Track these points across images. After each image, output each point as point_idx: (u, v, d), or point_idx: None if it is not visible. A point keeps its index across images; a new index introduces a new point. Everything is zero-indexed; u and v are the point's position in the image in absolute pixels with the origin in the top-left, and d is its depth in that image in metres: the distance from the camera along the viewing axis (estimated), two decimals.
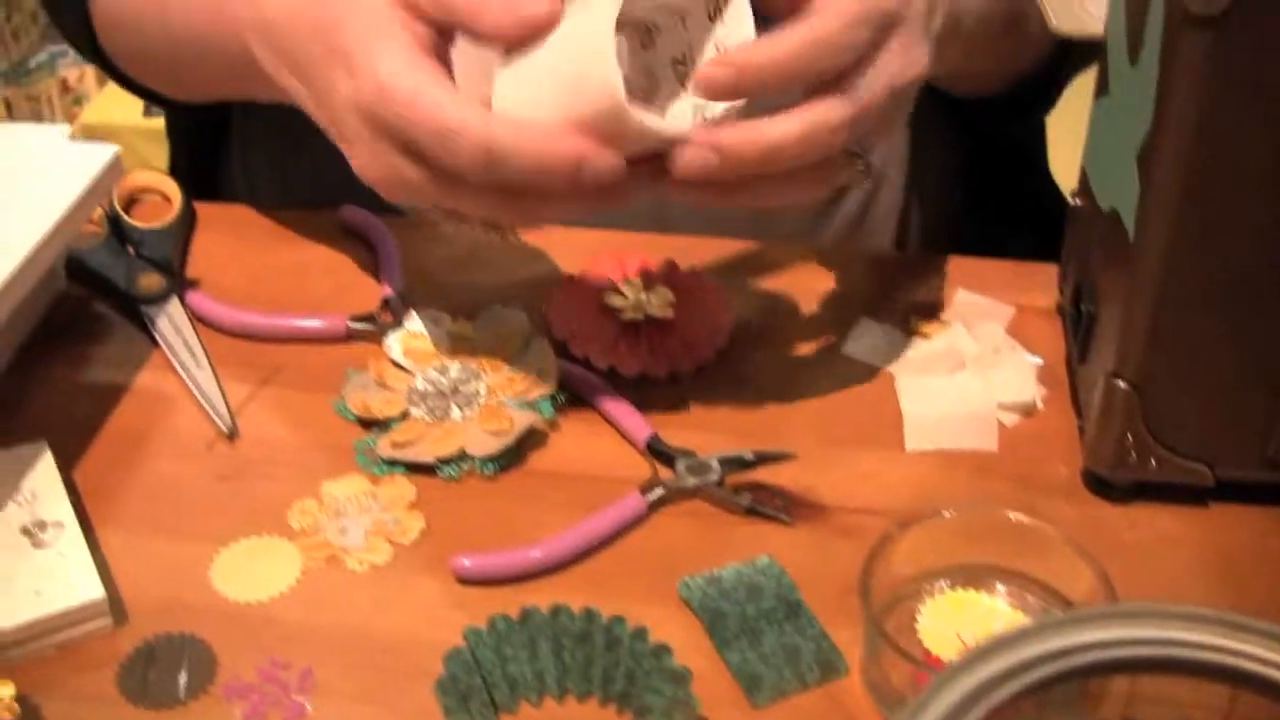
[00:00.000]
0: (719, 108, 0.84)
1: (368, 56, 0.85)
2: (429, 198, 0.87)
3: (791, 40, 0.82)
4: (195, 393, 0.98)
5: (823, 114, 0.83)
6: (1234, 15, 0.74)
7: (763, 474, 0.91)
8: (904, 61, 0.86)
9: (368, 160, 0.87)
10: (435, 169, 0.84)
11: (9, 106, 3.24)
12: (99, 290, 1.07)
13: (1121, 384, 0.87)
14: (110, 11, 1.15)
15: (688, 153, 0.82)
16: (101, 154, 1.01)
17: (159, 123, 2.90)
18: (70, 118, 3.31)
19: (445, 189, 0.85)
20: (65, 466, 0.91)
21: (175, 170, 1.36)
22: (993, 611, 0.82)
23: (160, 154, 2.76)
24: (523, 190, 0.83)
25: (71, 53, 3.24)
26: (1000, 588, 0.82)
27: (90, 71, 3.31)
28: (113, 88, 3.13)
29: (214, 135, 1.34)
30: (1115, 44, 0.90)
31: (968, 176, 1.31)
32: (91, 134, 3.04)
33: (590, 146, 0.80)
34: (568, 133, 0.80)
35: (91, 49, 1.19)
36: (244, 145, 1.31)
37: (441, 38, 0.87)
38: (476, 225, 0.90)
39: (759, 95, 0.83)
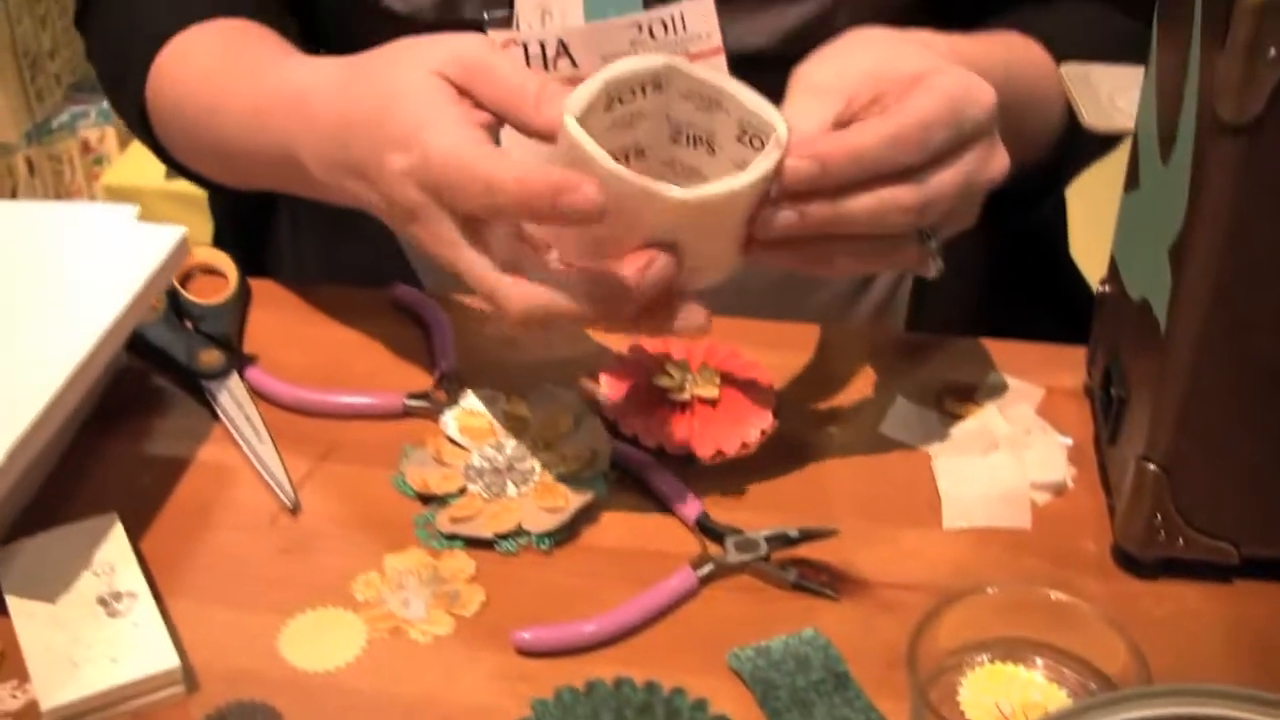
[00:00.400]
0: None
1: (419, 130, 0.90)
2: (482, 281, 0.91)
3: (872, 134, 0.87)
4: (258, 466, 1.01)
5: (894, 194, 0.88)
6: (1266, 123, 0.78)
7: (807, 550, 0.95)
8: (983, 162, 0.92)
9: (429, 240, 0.92)
10: (491, 246, 0.89)
11: (30, 166, 3.27)
12: (160, 365, 1.10)
13: (1151, 466, 0.90)
14: (163, 108, 1.18)
15: (795, 162, 0.87)
16: (169, 236, 1.04)
17: (182, 186, 2.92)
18: (91, 178, 3.34)
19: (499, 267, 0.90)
20: (133, 538, 0.94)
21: (220, 242, 1.40)
22: (1031, 684, 0.85)
23: (182, 216, 2.78)
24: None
25: (93, 113, 3.29)
26: (1038, 661, 0.86)
27: (112, 132, 3.34)
28: (135, 149, 3.18)
29: (260, 210, 1.38)
30: (1146, 142, 0.94)
31: (986, 259, 1.35)
32: (114, 195, 3.07)
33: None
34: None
35: (149, 137, 1.22)
36: (293, 221, 1.35)
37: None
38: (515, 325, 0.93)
39: (838, 184, 0.88)
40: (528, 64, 1.13)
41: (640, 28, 1.13)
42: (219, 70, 1.13)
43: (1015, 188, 0.99)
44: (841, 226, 0.90)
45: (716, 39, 1.14)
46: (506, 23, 1.13)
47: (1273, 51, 0.77)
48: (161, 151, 1.23)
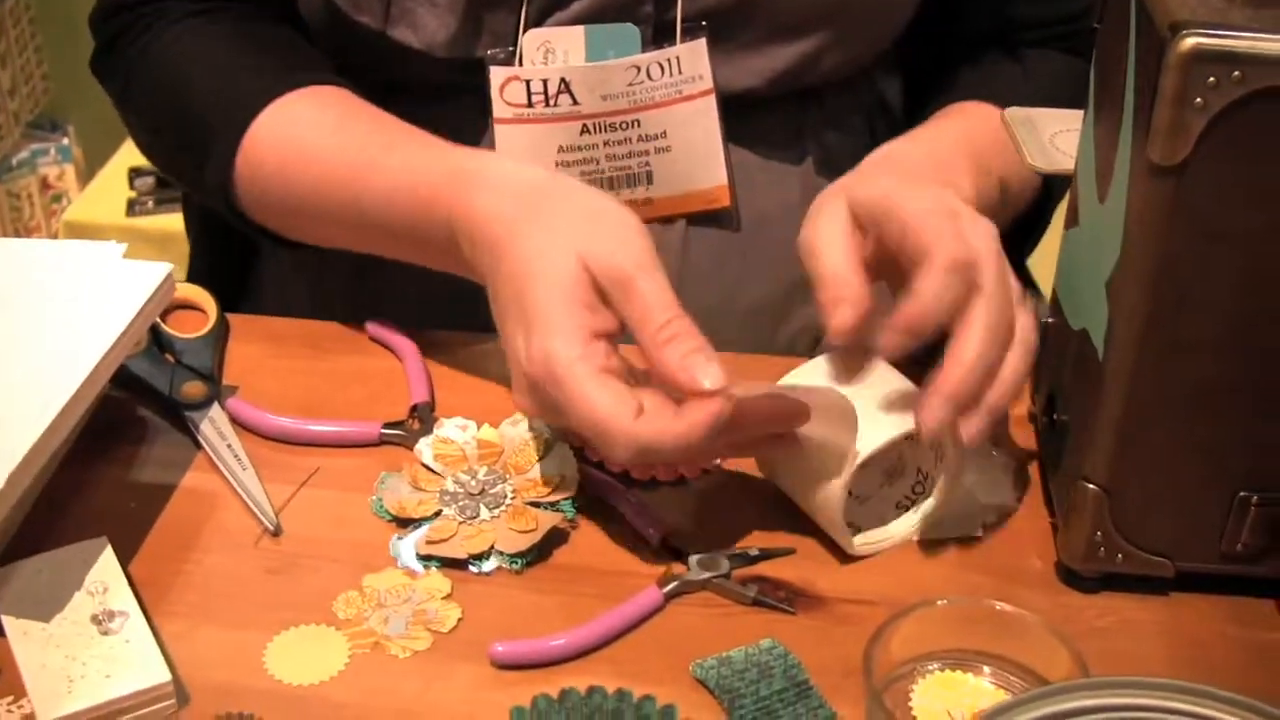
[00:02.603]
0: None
1: (545, 329, 0.93)
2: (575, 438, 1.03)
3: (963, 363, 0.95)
4: (240, 493, 1.05)
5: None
6: (1192, 165, 0.84)
7: (767, 568, 0.99)
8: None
9: (525, 398, 0.98)
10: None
11: None
12: (143, 395, 1.14)
13: (1091, 486, 0.95)
14: (265, 174, 1.17)
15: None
16: (155, 272, 1.08)
17: (143, 223, 2.98)
18: (50, 215, 3.36)
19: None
20: (122, 560, 0.98)
21: (195, 278, 1.43)
22: (979, 691, 0.90)
23: (144, 253, 2.80)
24: None
25: (53, 150, 3.30)
26: (986, 669, 0.91)
27: (70, 170, 3.36)
28: (96, 186, 3.19)
29: (242, 248, 1.41)
30: (1085, 182, 1.00)
31: None
32: (74, 232, 3.08)
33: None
34: (699, 427, 0.91)
35: (225, 197, 1.21)
36: (276, 258, 1.38)
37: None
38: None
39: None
40: (528, 100, 1.17)
41: (639, 69, 1.18)
42: (351, 140, 1.14)
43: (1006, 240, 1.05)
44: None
45: (708, 80, 1.20)
46: (510, 60, 1.18)
47: (1199, 100, 0.82)
48: (236, 213, 1.22)
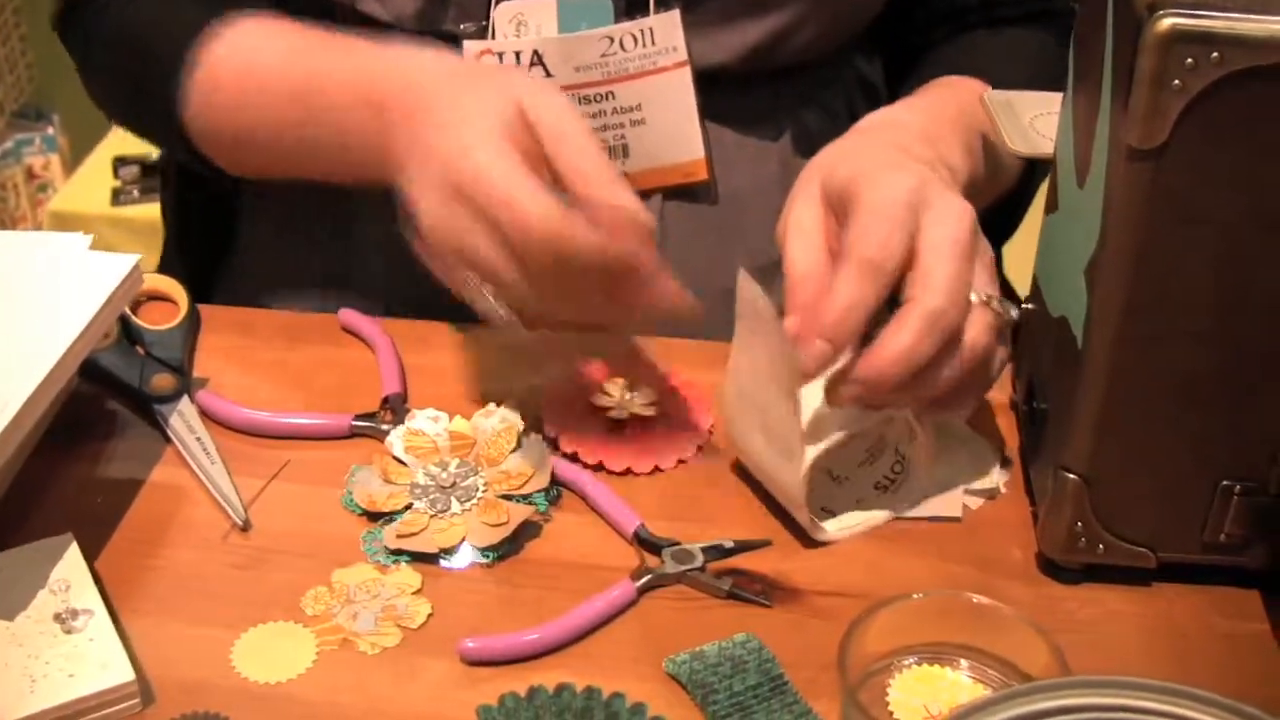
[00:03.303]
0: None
1: (475, 142, 0.97)
2: (480, 263, 0.97)
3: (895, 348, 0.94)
4: (209, 487, 1.04)
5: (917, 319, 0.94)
6: (1171, 149, 0.82)
7: (742, 561, 0.98)
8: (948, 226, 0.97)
9: (437, 217, 0.98)
10: (497, 240, 0.96)
11: None
12: (112, 389, 1.13)
13: (1071, 476, 0.94)
14: (221, 99, 1.19)
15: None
16: (122, 264, 1.07)
17: (128, 213, 2.98)
18: (36, 205, 3.35)
19: (498, 261, 0.97)
20: (88, 557, 0.96)
21: (167, 268, 1.42)
22: (956, 685, 0.88)
23: (128, 243, 2.80)
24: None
25: (38, 140, 3.30)
26: (963, 663, 0.89)
27: (55, 159, 3.35)
28: (81, 175, 3.18)
29: (216, 234, 1.40)
30: (1065, 167, 0.98)
31: None
32: (60, 222, 3.08)
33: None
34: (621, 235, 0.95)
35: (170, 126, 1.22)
36: (253, 244, 1.37)
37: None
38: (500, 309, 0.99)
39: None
40: None
41: (611, 40, 1.17)
42: (303, 54, 1.15)
43: (991, 219, 1.04)
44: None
45: (683, 52, 1.18)
46: (483, 34, 1.18)
47: (1177, 82, 0.80)
48: (189, 149, 1.23)
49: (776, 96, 1.27)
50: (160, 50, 1.21)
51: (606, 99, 1.19)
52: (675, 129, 1.21)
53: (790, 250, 0.98)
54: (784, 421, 0.95)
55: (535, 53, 1.17)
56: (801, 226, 0.98)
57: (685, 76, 1.19)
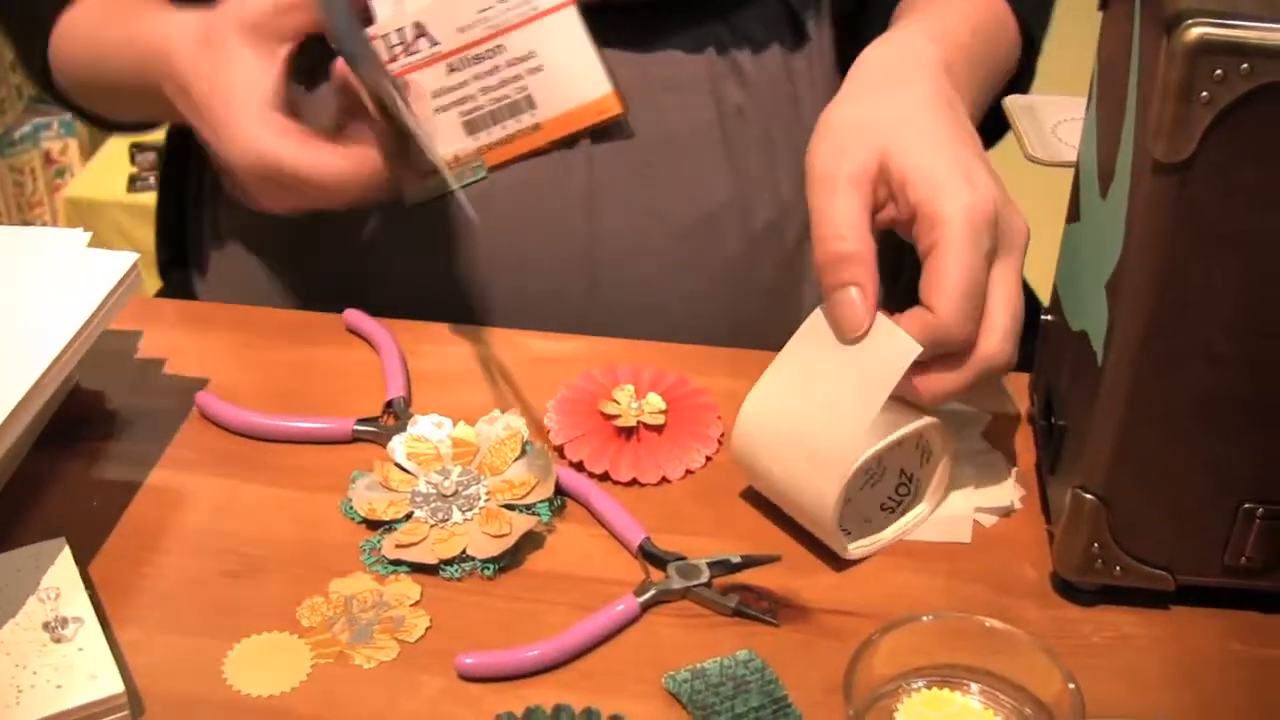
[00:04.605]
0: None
1: (244, 132, 1.06)
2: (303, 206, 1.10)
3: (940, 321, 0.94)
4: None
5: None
6: (1197, 162, 0.79)
7: (749, 576, 0.96)
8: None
9: (258, 192, 1.09)
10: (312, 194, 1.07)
11: None
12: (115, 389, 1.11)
13: (1089, 496, 0.91)
14: (60, 55, 1.29)
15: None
16: (120, 262, 1.05)
17: (143, 198, 2.97)
18: (53, 190, 3.34)
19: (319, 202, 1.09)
20: (81, 561, 0.95)
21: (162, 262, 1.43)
22: (966, 710, 0.86)
23: (141, 228, 2.78)
24: None
25: (56, 125, 3.29)
26: (974, 687, 0.87)
27: (74, 144, 3.34)
28: (97, 161, 3.18)
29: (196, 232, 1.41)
30: (1087, 176, 0.96)
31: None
32: (75, 207, 3.07)
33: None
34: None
35: (51, 88, 1.33)
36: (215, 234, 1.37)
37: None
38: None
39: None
40: (388, 55, 1.17)
41: None
42: (101, 24, 1.24)
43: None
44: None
45: None
46: (367, 23, 1.17)
47: (1204, 94, 0.78)
48: (63, 100, 1.35)
49: (704, 37, 1.25)
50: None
51: (497, 53, 1.18)
52: (574, 68, 1.19)
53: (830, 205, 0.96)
54: (831, 434, 0.94)
55: (416, 24, 1.16)
56: (851, 224, 0.96)
57: (571, 14, 1.17)
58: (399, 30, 1.16)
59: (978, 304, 0.93)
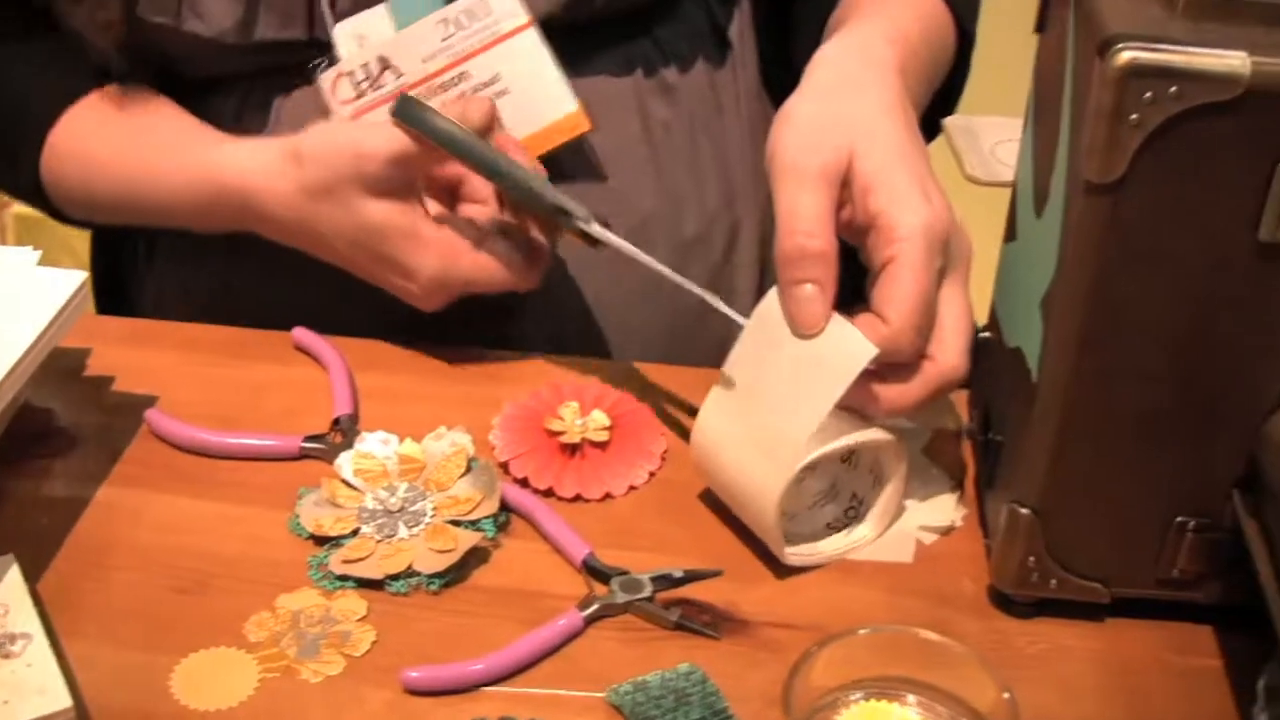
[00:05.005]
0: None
1: (412, 262, 1.12)
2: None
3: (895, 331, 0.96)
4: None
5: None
6: (1128, 182, 0.81)
7: (691, 590, 0.97)
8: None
9: (434, 301, 1.15)
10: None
11: None
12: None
13: (1024, 510, 0.93)
14: (67, 184, 1.27)
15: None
16: (69, 280, 1.06)
17: None
18: (1, 206, 3.32)
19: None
20: (30, 578, 0.95)
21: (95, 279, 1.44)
22: None
23: (86, 246, 2.75)
24: None
25: None
26: (911, 698, 0.88)
27: None
28: None
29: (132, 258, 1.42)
30: (1024, 196, 0.97)
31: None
32: (25, 224, 3.05)
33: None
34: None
35: (41, 202, 1.31)
36: (149, 254, 1.38)
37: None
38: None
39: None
40: (354, 91, 1.19)
41: (447, 22, 1.18)
42: (131, 148, 1.23)
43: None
44: None
45: (522, 14, 1.19)
46: (332, 63, 1.19)
47: (1135, 116, 0.79)
48: (56, 213, 1.32)
49: (630, 53, 1.28)
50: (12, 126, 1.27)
51: (462, 80, 1.19)
52: (540, 89, 1.20)
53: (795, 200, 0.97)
54: (782, 430, 0.95)
55: (380, 58, 1.18)
56: (821, 221, 0.96)
57: (532, 36, 1.19)
58: (364, 66, 1.18)
59: (930, 318, 0.95)
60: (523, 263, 1.13)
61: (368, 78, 1.18)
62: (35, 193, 1.28)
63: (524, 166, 1.06)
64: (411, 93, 1.17)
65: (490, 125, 1.11)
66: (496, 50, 1.19)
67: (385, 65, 1.18)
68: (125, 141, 1.23)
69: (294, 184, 1.13)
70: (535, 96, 1.19)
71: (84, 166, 1.25)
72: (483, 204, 1.17)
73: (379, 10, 1.19)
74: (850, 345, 0.94)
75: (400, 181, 1.11)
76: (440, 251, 1.12)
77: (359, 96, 1.19)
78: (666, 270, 1.01)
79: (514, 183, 1.06)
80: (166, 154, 1.21)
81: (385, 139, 1.09)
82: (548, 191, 1.04)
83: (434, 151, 1.08)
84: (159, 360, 1.18)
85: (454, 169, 1.14)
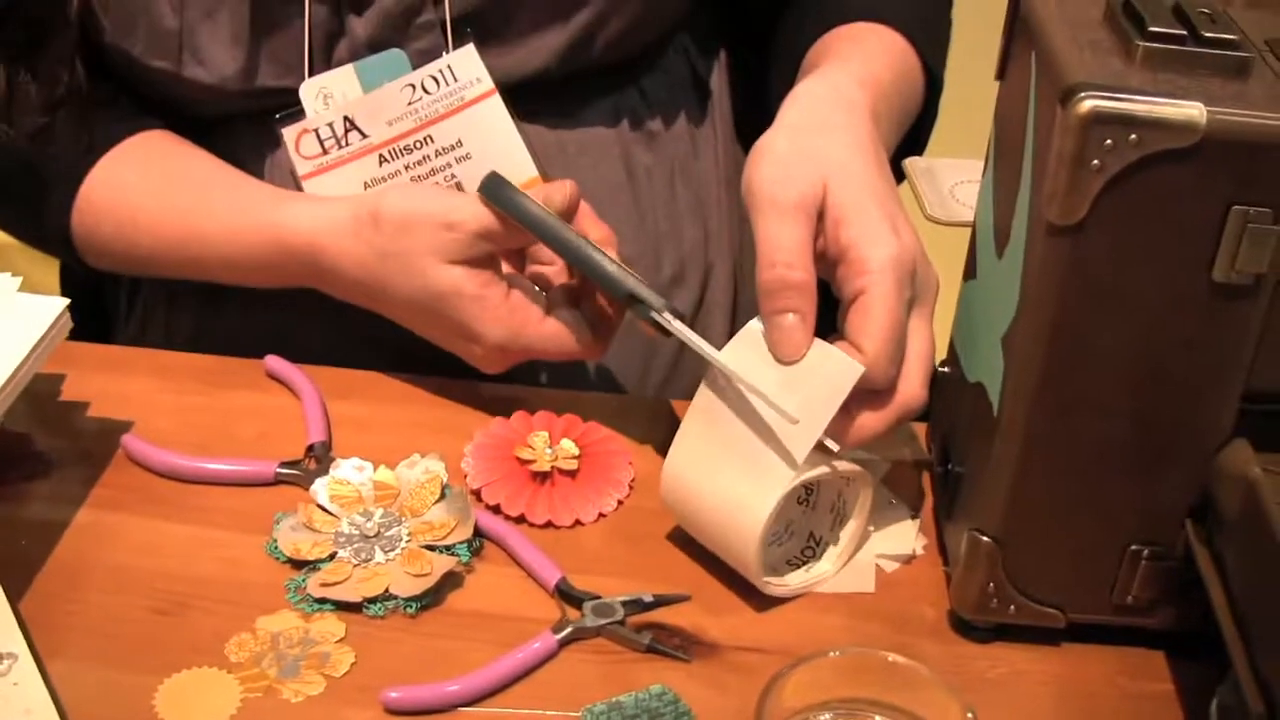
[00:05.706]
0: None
1: (478, 328, 1.13)
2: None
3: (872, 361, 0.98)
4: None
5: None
6: (1089, 225, 0.84)
7: (662, 615, 0.99)
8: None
9: (497, 364, 1.16)
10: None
11: None
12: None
13: (984, 538, 0.96)
14: (103, 233, 1.27)
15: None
16: (51, 307, 1.07)
17: None
18: None
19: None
20: (11, 599, 0.97)
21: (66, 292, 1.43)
22: None
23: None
24: None
25: None
26: (877, 719, 0.91)
27: None
28: None
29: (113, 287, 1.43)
30: (984, 236, 1.00)
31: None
32: (2, 251, 3.04)
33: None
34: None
35: (67, 251, 1.30)
36: (164, 297, 1.38)
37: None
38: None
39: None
40: (321, 148, 1.21)
41: (414, 87, 1.21)
42: (182, 205, 1.24)
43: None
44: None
45: (487, 82, 1.22)
46: (298, 115, 1.21)
47: (1096, 162, 0.83)
48: (78, 262, 1.31)
49: (616, 100, 1.31)
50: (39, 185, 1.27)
51: (426, 144, 1.22)
52: (501, 154, 1.23)
53: (774, 231, 0.99)
54: (770, 451, 0.98)
55: (346, 118, 1.21)
56: (800, 252, 0.99)
57: (495, 103, 1.22)
58: (329, 125, 1.21)
59: (901, 348, 0.98)
60: (589, 333, 1.14)
61: (333, 135, 1.21)
62: (61, 244, 1.28)
63: (604, 252, 1.07)
64: (376, 154, 1.21)
65: (573, 209, 1.13)
66: (461, 116, 1.22)
67: (351, 125, 1.21)
68: (174, 198, 1.24)
69: (368, 245, 1.14)
70: (498, 162, 1.20)
71: (125, 222, 1.25)
72: (550, 263, 1.19)
73: (346, 70, 1.21)
74: (836, 365, 0.97)
75: (481, 254, 1.12)
76: (507, 320, 1.13)
77: (324, 153, 1.21)
78: (732, 368, 1.00)
79: (593, 268, 1.06)
80: (226, 213, 1.22)
81: (474, 214, 1.11)
82: (626, 280, 1.05)
83: (518, 231, 1.10)
84: (135, 386, 1.20)
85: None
